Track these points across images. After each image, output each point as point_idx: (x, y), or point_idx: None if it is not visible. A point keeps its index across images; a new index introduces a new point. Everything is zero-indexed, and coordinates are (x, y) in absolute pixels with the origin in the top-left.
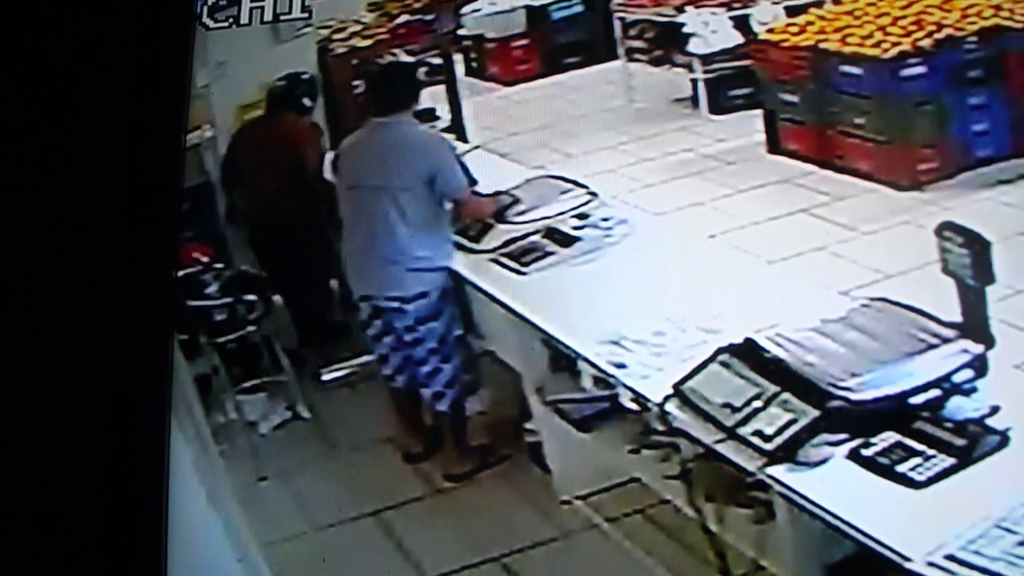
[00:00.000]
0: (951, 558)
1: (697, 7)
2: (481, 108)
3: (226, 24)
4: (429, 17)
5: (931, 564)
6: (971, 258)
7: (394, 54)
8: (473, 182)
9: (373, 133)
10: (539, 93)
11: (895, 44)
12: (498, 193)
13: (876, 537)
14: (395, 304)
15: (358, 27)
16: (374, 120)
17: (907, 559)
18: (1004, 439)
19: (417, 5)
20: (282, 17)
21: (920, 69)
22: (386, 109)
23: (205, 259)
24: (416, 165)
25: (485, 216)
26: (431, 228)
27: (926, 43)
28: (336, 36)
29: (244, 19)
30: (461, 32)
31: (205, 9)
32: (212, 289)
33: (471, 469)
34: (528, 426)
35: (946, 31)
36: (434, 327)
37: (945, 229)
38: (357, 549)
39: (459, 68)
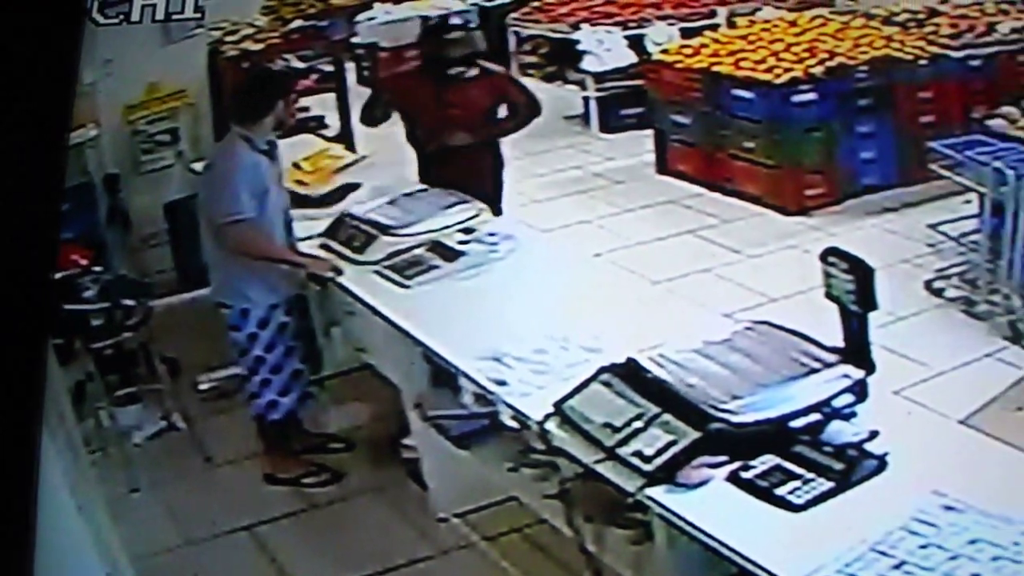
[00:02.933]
0: None
1: (592, 25)
2: None
3: (116, 20)
4: (323, 24)
5: None
6: (854, 284)
7: (286, 59)
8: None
9: (223, 141)
10: None
11: (787, 70)
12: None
13: (754, 560)
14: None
15: (251, 30)
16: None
17: None
18: (882, 464)
19: (312, 11)
20: (174, 16)
21: (811, 96)
22: (234, 119)
23: (84, 262)
24: (210, 184)
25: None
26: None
27: (818, 70)
28: (228, 39)
29: (135, 16)
30: (355, 40)
31: (95, 4)
32: (90, 293)
33: (286, 478)
34: (406, 442)
35: (838, 59)
36: (236, 337)
37: (830, 255)
38: (230, 564)
39: (351, 76)
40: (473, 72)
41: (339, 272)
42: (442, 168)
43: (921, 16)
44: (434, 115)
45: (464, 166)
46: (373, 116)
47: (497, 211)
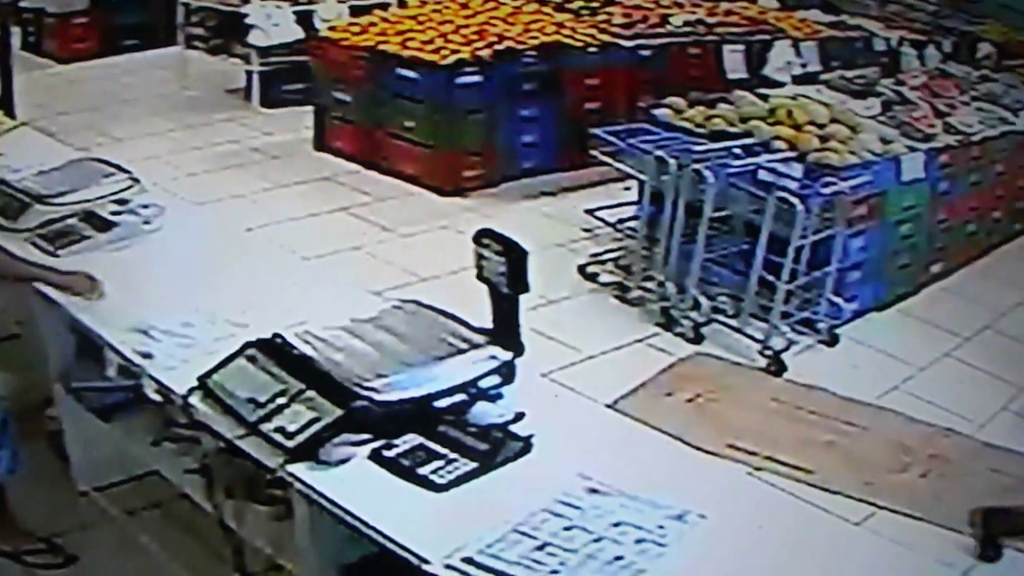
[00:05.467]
0: (469, 561)
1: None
2: (33, 84)
3: None
4: None
5: (449, 567)
6: (507, 266)
7: None
8: None
9: None
10: (93, 73)
11: (454, 52)
12: None
13: (394, 538)
14: None
15: None
16: None
17: (425, 561)
18: (527, 446)
19: None
20: None
21: (476, 78)
22: None
23: None
24: None
25: None
26: None
27: (485, 53)
28: None
29: None
30: (23, 4)
31: None
32: None
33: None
34: (50, 413)
35: (507, 43)
36: None
37: (483, 236)
38: None
39: (16, 41)
40: None
41: None
42: None
43: (595, 4)
44: None
45: None
46: None
47: None
